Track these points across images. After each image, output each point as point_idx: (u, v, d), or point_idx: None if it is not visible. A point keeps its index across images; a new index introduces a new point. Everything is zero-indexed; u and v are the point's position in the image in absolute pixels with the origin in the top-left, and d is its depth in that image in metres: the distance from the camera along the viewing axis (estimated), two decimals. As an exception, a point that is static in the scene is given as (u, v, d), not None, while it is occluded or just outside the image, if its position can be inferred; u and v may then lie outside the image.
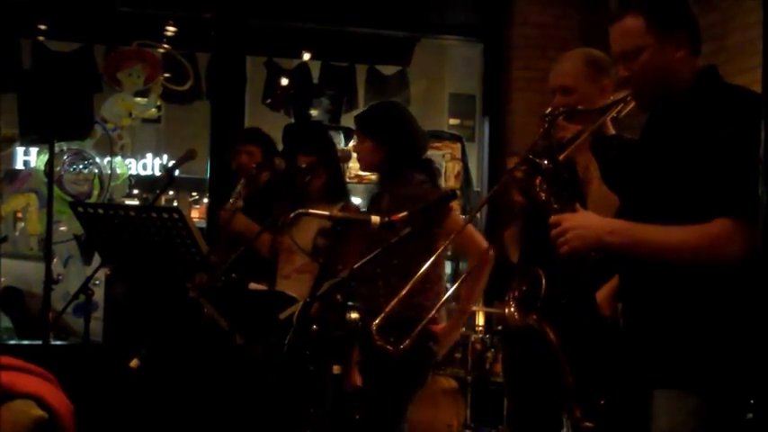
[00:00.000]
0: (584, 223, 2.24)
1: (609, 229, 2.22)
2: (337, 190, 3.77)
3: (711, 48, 4.87)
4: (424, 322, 2.59)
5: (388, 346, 2.45)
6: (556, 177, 2.32)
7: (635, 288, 2.31)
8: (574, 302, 2.34)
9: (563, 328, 2.33)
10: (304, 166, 3.61)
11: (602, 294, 2.61)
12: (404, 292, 2.55)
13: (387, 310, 2.49)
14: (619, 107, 2.45)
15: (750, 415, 2.09)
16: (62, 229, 5.82)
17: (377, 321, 2.46)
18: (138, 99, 6.21)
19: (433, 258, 2.89)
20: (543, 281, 2.31)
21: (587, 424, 2.33)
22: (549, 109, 2.34)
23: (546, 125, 2.32)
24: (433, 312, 2.84)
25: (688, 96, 2.24)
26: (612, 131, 2.82)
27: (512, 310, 2.41)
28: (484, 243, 3.34)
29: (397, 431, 3.32)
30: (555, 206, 2.30)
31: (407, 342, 2.47)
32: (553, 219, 2.28)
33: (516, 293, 2.42)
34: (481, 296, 4.66)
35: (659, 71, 2.23)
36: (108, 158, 6.13)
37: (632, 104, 2.42)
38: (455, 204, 5.16)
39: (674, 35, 2.23)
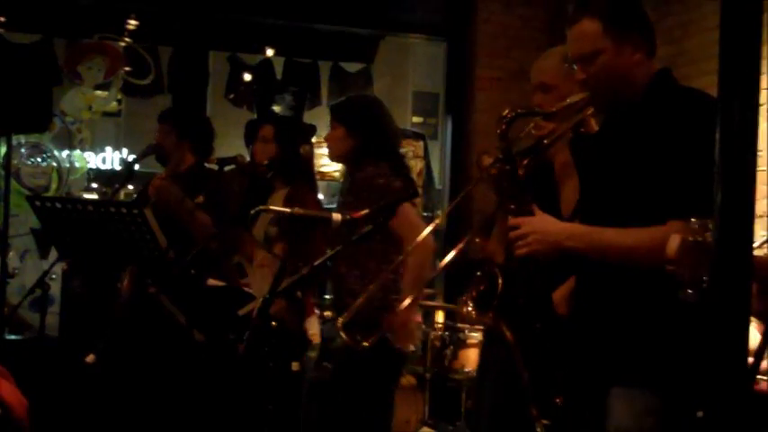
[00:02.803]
0: (544, 227, 2.27)
1: (567, 234, 2.26)
2: (295, 178, 3.77)
3: (671, 51, 4.93)
4: (387, 318, 2.60)
5: (354, 342, 2.46)
6: (514, 179, 2.34)
7: (590, 288, 2.35)
8: (530, 302, 2.36)
9: (519, 327, 2.35)
10: (266, 162, 3.61)
11: (559, 294, 2.63)
12: (370, 288, 2.56)
13: (351, 310, 2.50)
14: (585, 107, 2.46)
15: (700, 413, 2.12)
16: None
17: (342, 318, 2.47)
18: (99, 92, 6.15)
19: (398, 261, 2.91)
20: (500, 281, 2.33)
21: (543, 422, 2.35)
22: (507, 111, 2.36)
23: (504, 127, 2.33)
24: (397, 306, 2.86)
25: (643, 99, 2.27)
26: (596, 129, 2.81)
27: (469, 309, 2.42)
28: (429, 236, 3.32)
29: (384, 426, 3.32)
30: (512, 208, 2.32)
31: (373, 338, 2.48)
32: (512, 221, 2.31)
33: (474, 293, 2.44)
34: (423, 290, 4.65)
35: (616, 74, 2.26)
36: (67, 152, 6.06)
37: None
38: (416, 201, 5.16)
39: (631, 38, 2.26)
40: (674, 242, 1.69)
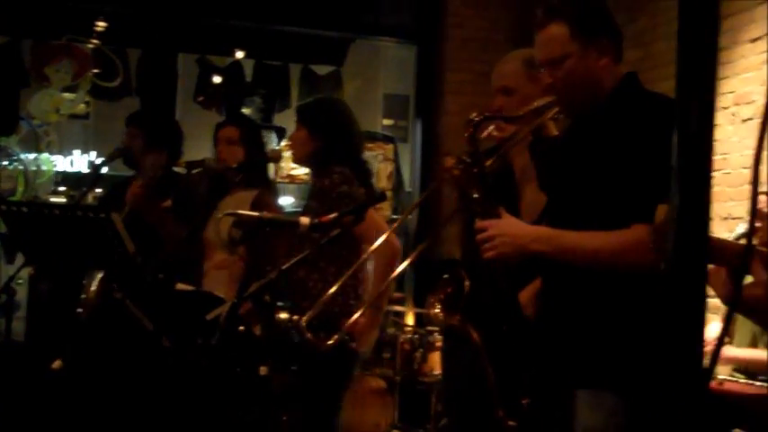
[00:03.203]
0: (510, 230, 2.29)
1: (533, 237, 2.28)
2: (257, 182, 3.76)
3: (638, 54, 4.98)
4: (349, 322, 2.60)
5: (316, 341, 2.46)
6: (481, 182, 2.35)
7: (556, 291, 2.36)
8: (497, 304, 2.37)
9: (486, 329, 2.37)
10: (235, 165, 3.59)
11: (525, 295, 2.65)
12: (331, 291, 2.56)
13: (315, 308, 2.50)
14: (554, 110, 2.48)
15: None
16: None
17: (306, 317, 2.47)
18: (66, 94, 6.09)
19: (359, 262, 2.91)
20: (467, 283, 2.34)
21: (510, 423, 2.36)
22: (474, 114, 2.37)
23: (471, 130, 2.35)
24: (360, 312, 2.86)
25: (609, 103, 2.29)
26: (555, 132, 2.83)
27: (436, 311, 2.43)
28: (393, 239, 3.35)
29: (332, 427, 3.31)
30: (479, 210, 2.33)
31: (335, 338, 2.48)
32: (479, 224, 2.32)
33: (441, 295, 2.45)
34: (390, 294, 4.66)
35: (583, 78, 2.28)
36: (34, 155, 6.00)
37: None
38: (384, 205, 5.16)
39: (598, 43, 2.28)
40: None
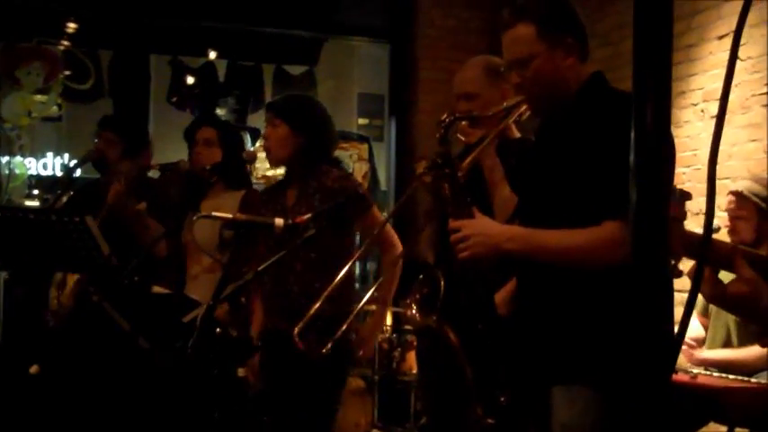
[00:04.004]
0: (484, 230, 2.31)
1: (507, 236, 2.30)
2: (240, 182, 3.74)
3: (607, 52, 5.03)
4: (346, 323, 2.62)
5: (309, 350, 2.48)
6: (453, 182, 2.37)
7: (530, 290, 2.40)
8: (473, 304, 2.40)
9: (463, 328, 2.39)
10: (209, 167, 3.57)
11: (500, 297, 2.67)
12: (326, 293, 2.58)
13: (309, 314, 2.51)
14: (520, 111, 2.51)
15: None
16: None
17: (298, 327, 2.48)
18: (38, 97, 6.05)
19: (356, 256, 2.92)
20: (442, 283, 2.36)
21: (488, 420, 2.39)
22: (445, 116, 2.39)
23: (442, 131, 2.37)
24: (355, 312, 2.89)
25: (576, 101, 2.32)
26: (517, 134, 2.88)
27: (413, 311, 2.46)
28: (399, 243, 3.37)
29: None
30: (452, 211, 2.35)
31: (329, 345, 2.49)
32: (453, 224, 2.34)
33: (417, 295, 2.47)
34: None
35: (550, 77, 2.31)
36: (6, 158, 5.95)
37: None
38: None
39: (564, 43, 2.31)
40: None
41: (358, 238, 3.58)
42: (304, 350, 2.45)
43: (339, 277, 2.63)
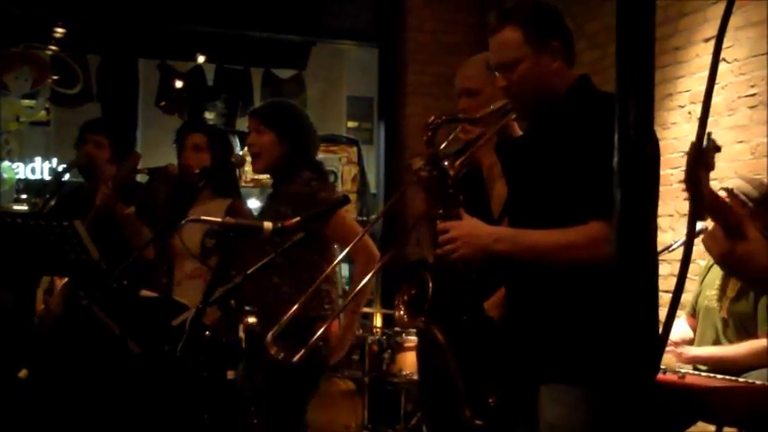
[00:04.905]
0: (472, 231, 2.33)
1: (495, 237, 2.32)
2: (228, 189, 3.75)
3: (595, 55, 5.06)
4: (319, 332, 2.62)
5: (281, 357, 2.47)
6: (442, 184, 2.38)
7: (518, 292, 2.41)
8: (460, 304, 2.41)
9: (451, 330, 2.40)
10: (197, 171, 3.57)
11: (492, 301, 2.68)
12: (301, 300, 2.58)
13: (282, 321, 2.51)
14: (507, 112, 2.52)
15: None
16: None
17: (271, 333, 2.48)
18: (26, 101, 6.04)
19: (335, 263, 2.93)
20: (430, 284, 2.37)
21: (477, 422, 2.40)
22: (433, 118, 2.41)
23: (430, 133, 2.38)
24: (330, 320, 2.89)
25: (563, 104, 2.34)
26: (519, 133, 2.88)
27: (401, 313, 2.47)
28: (371, 245, 3.37)
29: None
30: (440, 212, 2.37)
31: (302, 353, 2.49)
32: (441, 226, 2.35)
33: (405, 297, 2.48)
34: (368, 297, 4.71)
35: (536, 81, 2.33)
36: (-6, 163, 5.95)
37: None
38: (349, 207, 5.16)
39: (550, 47, 2.33)
40: None
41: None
42: (275, 357, 2.44)
43: (316, 283, 2.63)
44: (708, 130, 2.09)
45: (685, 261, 1.19)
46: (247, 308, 3.20)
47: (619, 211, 0.93)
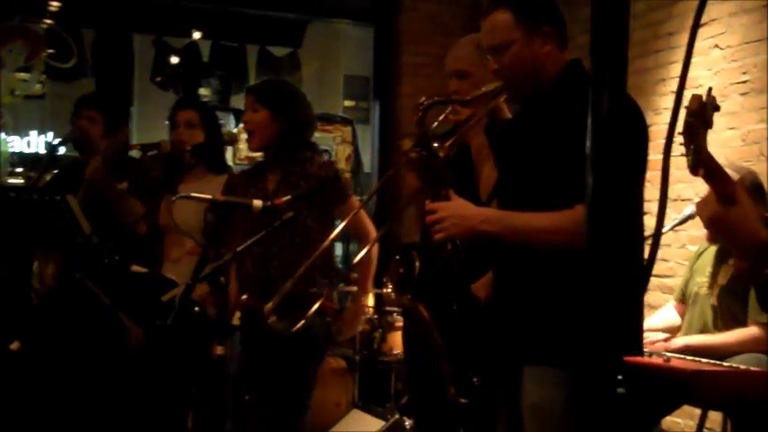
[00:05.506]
0: (460, 212, 2.35)
1: (482, 218, 2.35)
2: (221, 166, 3.77)
3: (588, 40, 5.06)
4: (317, 305, 2.66)
5: (280, 327, 2.50)
6: (430, 164, 2.41)
7: (504, 273, 2.44)
8: (448, 284, 2.44)
9: (437, 309, 2.43)
10: (189, 148, 3.59)
11: (480, 283, 2.70)
12: (299, 272, 2.60)
13: (282, 292, 2.53)
14: (498, 95, 2.54)
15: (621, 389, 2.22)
16: None
17: (270, 303, 2.51)
18: (21, 75, 6.02)
19: (329, 239, 2.96)
20: (418, 263, 2.40)
21: (462, 400, 2.44)
22: (424, 99, 2.43)
23: (420, 114, 2.40)
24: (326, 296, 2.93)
25: (553, 88, 2.36)
26: (509, 115, 2.89)
27: (389, 290, 2.50)
28: (373, 228, 3.42)
29: (305, 409, 3.35)
30: (429, 192, 2.39)
31: (301, 323, 2.52)
32: (429, 206, 2.38)
33: (394, 275, 2.51)
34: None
35: (527, 64, 2.35)
36: (-11, 136, 5.95)
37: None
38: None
39: (541, 30, 2.34)
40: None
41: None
42: (273, 326, 2.48)
43: (312, 258, 2.66)
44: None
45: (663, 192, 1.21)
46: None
47: (591, 195, 0.95)
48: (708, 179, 2.22)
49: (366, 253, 3.27)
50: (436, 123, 2.66)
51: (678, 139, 4.72)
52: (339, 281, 3.99)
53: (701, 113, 2.14)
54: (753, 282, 2.51)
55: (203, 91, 6.89)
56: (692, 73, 4.55)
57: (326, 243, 2.88)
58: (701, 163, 2.09)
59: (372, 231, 3.41)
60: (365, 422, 4.97)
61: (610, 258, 0.94)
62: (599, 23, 0.96)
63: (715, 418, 3.77)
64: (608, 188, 0.94)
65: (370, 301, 5.69)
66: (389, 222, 3.58)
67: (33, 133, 7.28)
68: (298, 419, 3.30)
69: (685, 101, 4.67)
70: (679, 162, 4.66)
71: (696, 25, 1.20)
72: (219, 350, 2.88)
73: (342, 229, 3.08)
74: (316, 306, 2.68)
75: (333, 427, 5.02)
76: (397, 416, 4.78)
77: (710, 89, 2.24)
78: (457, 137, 2.58)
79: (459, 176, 2.55)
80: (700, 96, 2.16)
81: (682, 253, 4.57)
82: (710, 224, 2.19)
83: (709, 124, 2.16)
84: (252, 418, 3.28)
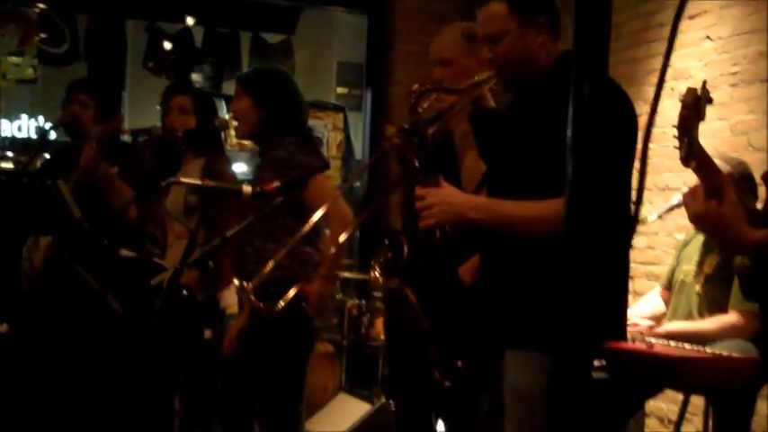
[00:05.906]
0: (449, 198, 2.37)
1: (471, 205, 2.37)
2: (210, 151, 3.77)
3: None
4: (295, 288, 2.66)
5: (262, 306, 2.52)
6: (421, 151, 2.43)
7: (489, 259, 2.47)
8: (435, 269, 2.46)
9: (424, 293, 2.45)
10: (181, 134, 3.60)
11: (466, 268, 2.73)
12: (280, 255, 2.61)
13: (263, 273, 2.54)
14: (490, 83, 2.56)
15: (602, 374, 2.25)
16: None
17: (252, 283, 2.52)
18: (13, 59, 6.02)
19: (308, 226, 2.96)
20: (405, 248, 2.42)
21: (446, 383, 2.46)
22: (417, 86, 2.45)
23: (413, 101, 2.43)
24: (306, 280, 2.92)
25: (547, 78, 2.38)
26: (492, 104, 2.91)
27: (376, 274, 2.52)
28: (345, 207, 3.38)
29: (299, 397, 3.36)
30: (419, 178, 2.41)
31: (282, 303, 2.53)
32: (419, 192, 2.40)
33: (381, 259, 2.53)
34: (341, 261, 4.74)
35: (520, 54, 2.37)
36: (-21, 121, 5.94)
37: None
38: (334, 174, 5.18)
39: (536, 21, 2.36)
40: None
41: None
42: (256, 305, 2.49)
43: (291, 242, 2.67)
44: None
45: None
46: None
47: (570, 184, 0.97)
48: (698, 171, 2.25)
49: (336, 239, 3.25)
50: (421, 110, 2.67)
51: (669, 130, 4.76)
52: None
53: (696, 107, 2.17)
54: (738, 270, 2.54)
55: (195, 77, 6.89)
56: (682, 64, 4.57)
57: (304, 228, 2.88)
58: (694, 155, 2.12)
59: (344, 209, 3.36)
60: (352, 406, 5.00)
61: (590, 245, 0.96)
62: (582, 12, 0.97)
63: (698, 402, 3.81)
64: (588, 176, 0.96)
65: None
66: (372, 207, 3.57)
67: (24, 117, 7.27)
68: (297, 407, 3.32)
69: (668, 92, 4.71)
70: (669, 152, 4.69)
71: (678, 16, 1.21)
72: (208, 334, 2.91)
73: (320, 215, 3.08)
74: (295, 288, 2.68)
75: (319, 410, 5.06)
76: (383, 399, 4.81)
77: (705, 82, 2.26)
78: (441, 124, 2.60)
79: (442, 164, 2.56)
80: (695, 90, 2.19)
81: (669, 241, 4.60)
82: (696, 219, 2.21)
83: (702, 117, 2.20)
84: (247, 408, 3.29)
